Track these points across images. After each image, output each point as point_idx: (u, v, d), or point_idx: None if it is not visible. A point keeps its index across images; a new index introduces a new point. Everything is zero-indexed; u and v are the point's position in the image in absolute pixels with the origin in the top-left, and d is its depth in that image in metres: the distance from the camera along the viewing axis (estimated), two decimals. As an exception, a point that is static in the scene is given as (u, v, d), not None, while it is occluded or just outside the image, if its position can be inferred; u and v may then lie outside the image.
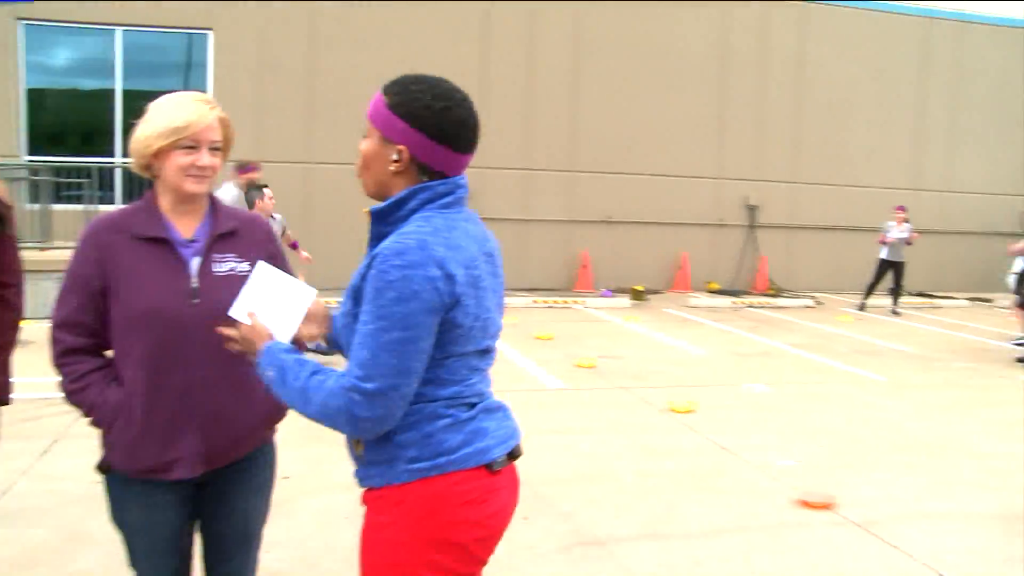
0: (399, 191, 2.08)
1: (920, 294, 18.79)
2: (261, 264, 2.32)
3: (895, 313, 15.71)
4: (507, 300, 14.44)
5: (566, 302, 14.96)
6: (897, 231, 15.62)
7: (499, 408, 2.22)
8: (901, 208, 15.88)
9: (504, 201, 16.73)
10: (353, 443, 2.13)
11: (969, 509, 5.48)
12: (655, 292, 17.13)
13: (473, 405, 2.12)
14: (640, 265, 17.55)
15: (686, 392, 8.40)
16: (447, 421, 2.06)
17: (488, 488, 2.09)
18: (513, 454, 2.20)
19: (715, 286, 17.84)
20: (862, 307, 16.14)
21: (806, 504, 5.35)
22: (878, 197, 19.60)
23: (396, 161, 2.06)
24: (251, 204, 8.29)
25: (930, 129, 20.21)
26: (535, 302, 14.79)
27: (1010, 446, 7.08)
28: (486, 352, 2.16)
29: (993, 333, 13.73)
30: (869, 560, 4.62)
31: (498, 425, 2.17)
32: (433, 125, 2.03)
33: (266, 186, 8.65)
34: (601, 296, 15.79)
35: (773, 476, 5.94)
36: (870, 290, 16.21)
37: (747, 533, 4.92)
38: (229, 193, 8.43)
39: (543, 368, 9.38)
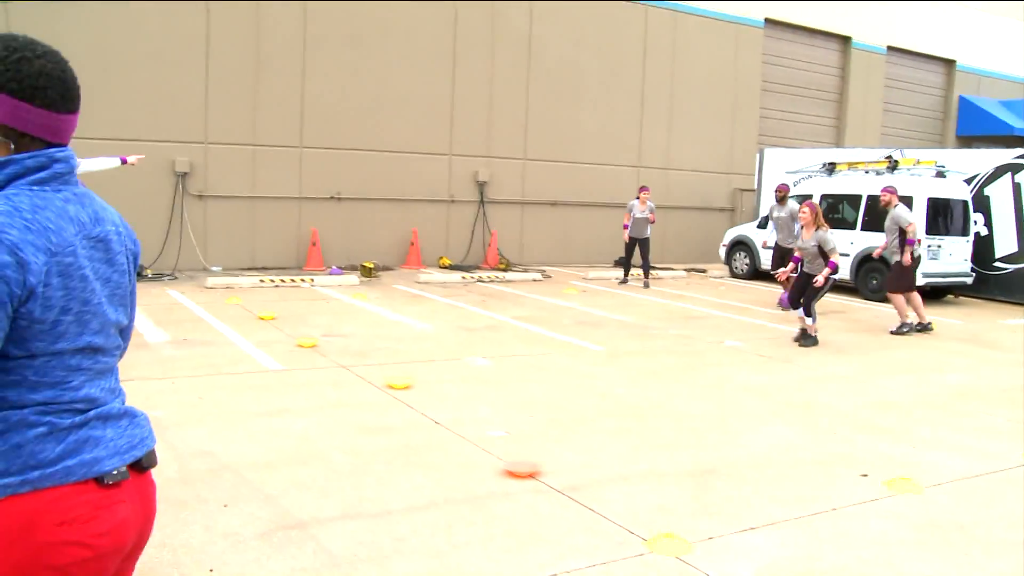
0: None
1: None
2: None
3: (646, 286, 16.42)
4: (235, 280, 13.98)
5: (294, 281, 14.56)
6: (639, 210, 16.33)
7: (124, 415, 2.00)
8: (644, 188, 16.61)
9: (231, 178, 16.09)
10: None
11: (664, 469, 5.76)
12: (387, 269, 17.04)
13: (81, 411, 1.88)
14: (372, 242, 17.41)
15: (407, 368, 8.36)
16: (41, 430, 1.81)
17: (98, 504, 1.86)
18: (141, 464, 2.00)
19: (447, 262, 17.98)
20: (623, 282, 16.81)
21: (512, 474, 5.42)
22: (604, 174, 20.53)
23: None
24: None
25: (651, 110, 21.35)
26: (262, 281, 14.29)
27: (707, 406, 7.54)
28: (94, 350, 1.92)
29: (706, 302, 14.68)
30: (567, 523, 4.74)
31: (119, 434, 1.95)
32: (10, 79, 1.79)
33: None
34: (330, 274, 15.50)
35: (483, 448, 6.00)
36: (625, 266, 16.93)
37: (452, 506, 4.92)
38: None
39: (262, 349, 9.04)
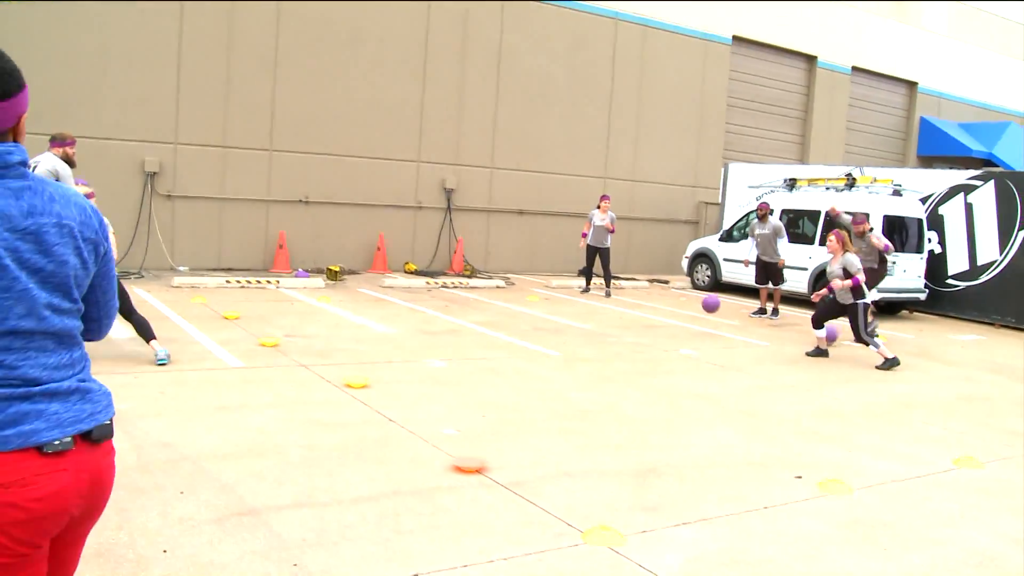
0: None
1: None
2: None
3: (608, 296, 16.68)
4: (201, 280, 14.11)
5: (260, 282, 14.70)
6: (599, 218, 16.58)
7: (75, 391, 2.16)
8: (605, 197, 16.88)
9: (200, 179, 16.20)
10: None
11: (607, 468, 6.00)
12: (353, 273, 17.21)
13: (17, 387, 2.05)
14: (339, 246, 17.57)
15: (366, 368, 8.56)
16: None
17: (36, 471, 2.03)
18: (91, 437, 2.17)
19: (412, 267, 18.19)
20: (585, 291, 17.09)
21: (459, 469, 5.65)
22: (571, 184, 20.82)
23: None
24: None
25: (618, 123, 21.67)
26: (228, 282, 14.42)
27: (655, 411, 7.80)
28: (25, 333, 2.07)
29: (666, 312, 14.98)
30: (509, 515, 4.97)
31: (66, 408, 2.12)
32: None
33: None
34: (296, 276, 15.66)
35: (434, 445, 6.21)
36: (587, 275, 17.19)
37: (400, 497, 5.14)
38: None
39: (225, 347, 9.21)
